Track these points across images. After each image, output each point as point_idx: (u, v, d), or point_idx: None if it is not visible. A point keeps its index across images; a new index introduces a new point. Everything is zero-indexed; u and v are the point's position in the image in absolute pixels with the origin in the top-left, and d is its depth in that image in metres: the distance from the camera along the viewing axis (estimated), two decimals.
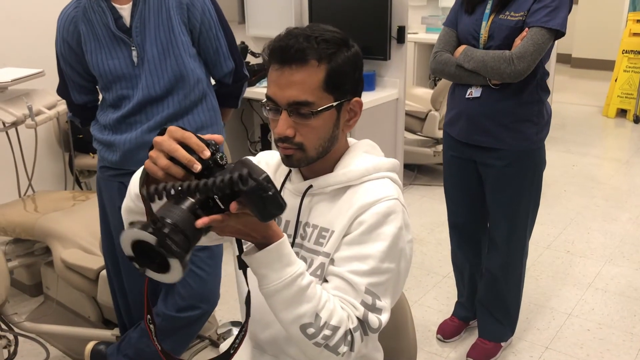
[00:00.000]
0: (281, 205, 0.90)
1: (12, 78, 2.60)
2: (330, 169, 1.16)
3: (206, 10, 1.81)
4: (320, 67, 1.05)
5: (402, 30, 3.06)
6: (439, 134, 4.00)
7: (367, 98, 3.06)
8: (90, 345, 2.21)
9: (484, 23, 2.04)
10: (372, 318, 1.06)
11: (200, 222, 0.86)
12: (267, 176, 0.88)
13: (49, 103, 2.67)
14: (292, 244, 1.15)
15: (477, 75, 2.04)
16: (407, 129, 4.29)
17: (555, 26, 1.92)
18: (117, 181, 1.91)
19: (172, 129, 0.91)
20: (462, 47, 2.08)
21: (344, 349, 1.03)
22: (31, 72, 2.66)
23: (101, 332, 2.34)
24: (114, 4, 1.75)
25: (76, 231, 2.37)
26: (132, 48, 1.76)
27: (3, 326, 2.17)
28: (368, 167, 1.13)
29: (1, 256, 1.92)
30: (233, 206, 0.89)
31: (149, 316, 1.06)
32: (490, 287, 2.35)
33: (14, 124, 2.59)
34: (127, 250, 0.87)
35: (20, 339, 2.25)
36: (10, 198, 2.93)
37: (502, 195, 2.18)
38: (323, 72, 1.05)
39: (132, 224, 0.86)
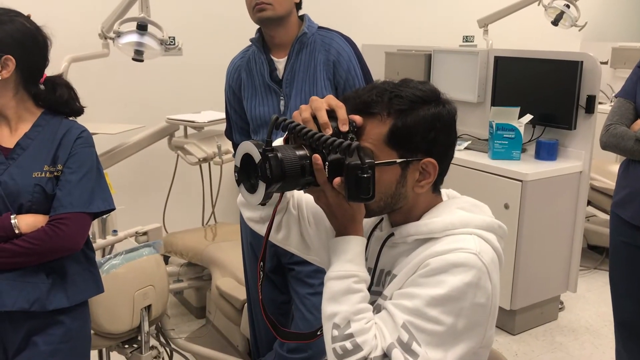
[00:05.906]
0: (369, 193, 0.95)
1: (208, 120, 2.96)
2: (416, 219, 1.10)
3: (351, 68, 1.89)
4: (386, 122, 1.02)
5: (591, 100, 2.84)
6: None
7: (546, 167, 2.88)
8: None
9: None
10: (398, 355, 0.96)
11: (315, 157, 0.96)
12: (373, 163, 0.96)
13: None
14: (369, 291, 1.09)
15: None
16: (598, 207, 3.90)
17: None
18: None
19: (331, 96, 1.02)
20: None
21: None
22: (224, 116, 2.99)
23: None
24: (272, 57, 1.94)
25: (235, 262, 2.56)
26: (281, 98, 1.93)
27: (162, 339, 2.39)
28: (454, 221, 1.05)
29: (165, 274, 2.15)
30: (336, 180, 0.98)
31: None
32: None
33: (205, 160, 2.94)
34: (238, 160, 1.00)
35: (175, 355, 2.47)
36: (196, 225, 3.28)
37: None
38: (387, 127, 1.02)
39: (252, 140, 0.98)
